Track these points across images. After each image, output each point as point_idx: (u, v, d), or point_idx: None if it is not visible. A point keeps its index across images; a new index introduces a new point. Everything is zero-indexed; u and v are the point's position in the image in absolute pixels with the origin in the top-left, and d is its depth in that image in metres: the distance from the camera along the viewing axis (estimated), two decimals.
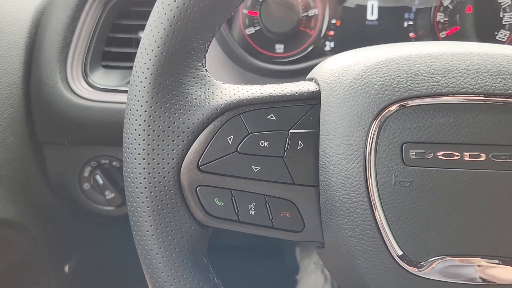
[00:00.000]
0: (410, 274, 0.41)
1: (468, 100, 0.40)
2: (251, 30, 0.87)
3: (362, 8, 0.88)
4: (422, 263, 0.41)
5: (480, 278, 0.41)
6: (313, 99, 0.44)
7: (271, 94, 0.44)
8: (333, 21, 0.88)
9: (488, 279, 0.40)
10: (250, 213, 0.43)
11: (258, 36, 0.87)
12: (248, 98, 0.43)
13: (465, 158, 0.40)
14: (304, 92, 0.44)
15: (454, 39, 0.85)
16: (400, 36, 0.88)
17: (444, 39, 0.85)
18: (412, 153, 0.40)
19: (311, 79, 0.47)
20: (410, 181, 0.40)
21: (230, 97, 0.43)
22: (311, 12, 0.86)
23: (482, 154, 0.40)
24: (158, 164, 0.41)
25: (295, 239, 0.45)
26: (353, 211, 0.41)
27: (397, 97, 0.40)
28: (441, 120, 0.40)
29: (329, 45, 0.89)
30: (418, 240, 0.40)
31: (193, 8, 0.39)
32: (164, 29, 0.39)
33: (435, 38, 0.86)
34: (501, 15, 0.83)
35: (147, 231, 0.41)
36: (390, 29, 0.89)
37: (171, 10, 0.39)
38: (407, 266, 0.41)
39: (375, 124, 0.40)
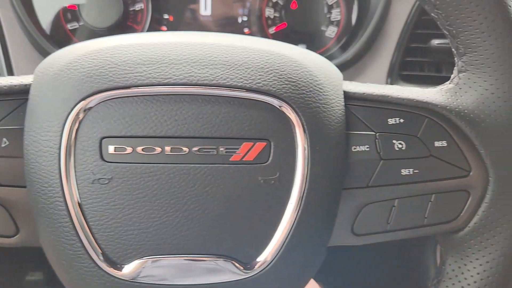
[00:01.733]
0: (111, 277, 0.38)
1: (171, 91, 0.38)
2: (75, 25, 0.82)
3: (195, 3, 0.86)
4: (124, 265, 0.38)
5: (185, 277, 0.39)
6: (25, 93, 0.41)
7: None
8: (166, 16, 0.86)
9: (191, 277, 0.39)
10: None
11: (82, 32, 0.82)
12: None
13: (167, 152, 0.38)
14: (15, 85, 0.41)
15: (283, 36, 0.85)
16: (236, 32, 0.87)
17: (274, 35, 0.85)
18: (111, 149, 0.38)
19: None
20: (109, 178, 0.38)
21: None
22: (137, 6, 0.83)
23: (184, 148, 0.38)
24: None
25: (9, 244, 0.41)
26: (52, 212, 0.38)
27: (97, 88, 0.38)
28: (142, 113, 0.38)
29: None
30: (120, 240, 0.38)
31: None
32: None
33: (265, 34, 0.85)
34: (325, 11, 0.84)
35: None
36: (225, 24, 0.87)
37: None
38: (108, 268, 0.38)
39: (72, 118, 0.37)
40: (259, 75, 0.39)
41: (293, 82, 0.40)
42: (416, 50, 0.81)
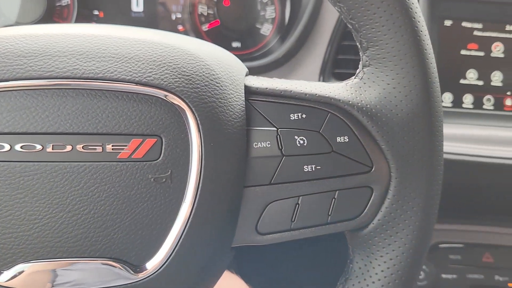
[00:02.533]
0: None
1: (53, 85, 0.36)
2: None
3: None
4: (3, 270, 0.36)
5: (70, 282, 0.36)
6: None
7: None
8: (96, 12, 0.83)
9: (78, 282, 0.37)
10: None
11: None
12: None
13: (48, 150, 0.36)
14: None
15: (217, 33, 0.84)
16: (170, 29, 0.85)
17: (207, 32, 0.83)
18: None
19: None
20: None
21: None
22: (64, 1, 0.80)
23: (67, 145, 0.36)
24: None
25: None
26: None
27: None
28: (21, 108, 0.35)
29: None
30: (4, 245, 0.35)
31: None
32: None
33: (198, 31, 0.83)
34: (259, 8, 0.83)
35: None
36: (158, 21, 0.85)
37: None
38: None
39: None
40: (150, 68, 0.37)
41: (187, 75, 0.38)
42: (349, 48, 0.81)
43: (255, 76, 0.45)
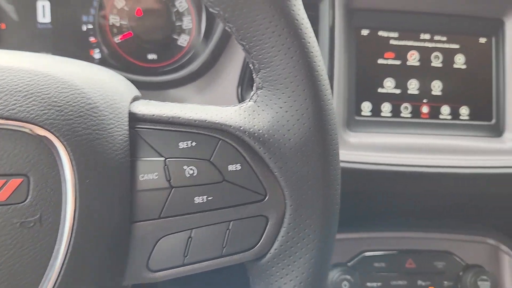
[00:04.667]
0: None
1: None
2: None
3: (31, 9, 0.78)
4: None
5: None
6: None
7: None
8: None
9: None
10: None
11: None
12: None
13: None
14: None
15: (131, 45, 0.80)
16: (81, 41, 0.80)
17: (120, 44, 0.79)
18: None
19: None
20: None
21: None
22: None
23: None
24: None
25: None
26: None
27: None
28: None
29: None
30: None
31: None
32: None
33: (110, 43, 0.79)
34: (174, 19, 0.80)
35: None
36: (68, 33, 0.80)
37: None
38: None
39: None
40: (15, 100, 0.34)
41: (59, 106, 0.35)
42: None
43: (146, 101, 0.42)
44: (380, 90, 0.83)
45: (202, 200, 0.39)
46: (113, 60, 0.80)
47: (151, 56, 0.81)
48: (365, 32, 0.83)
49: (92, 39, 0.80)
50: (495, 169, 0.80)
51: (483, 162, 0.81)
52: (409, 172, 0.78)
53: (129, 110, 0.39)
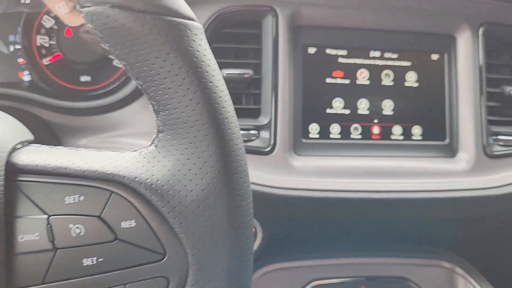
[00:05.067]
0: None
1: None
2: None
3: None
4: None
5: None
6: None
7: None
8: None
9: None
10: None
11: None
12: None
13: None
14: None
15: (62, 67, 0.74)
16: (8, 62, 0.74)
17: (49, 66, 0.74)
18: None
19: None
20: None
21: None
22: None
23: None
24: None
25: None
26: None
27: None
28: None
29: None
30: None
31: None
32: None
33: (38, 66, 0.73)
34: None
35: None
36: None
37: None
38: None
39: None
40: None
41: None
42: None
43: (35, 147, 0.37)
44: (328, 110, 0.79)
45: (92, 262, 0.34)
46: (43, 84, 0.74)
47: (84, 78, 0.76)
48: (312, 50, 0.79)
49: (20, 60, 0.74)
50: (449, 192, 0.77)
51: (436, 185, 0.78)
52: (360, 199, 0.74)
53: (8, 160, 0.34)
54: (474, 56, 0.82)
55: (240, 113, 0.76)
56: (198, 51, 0.35)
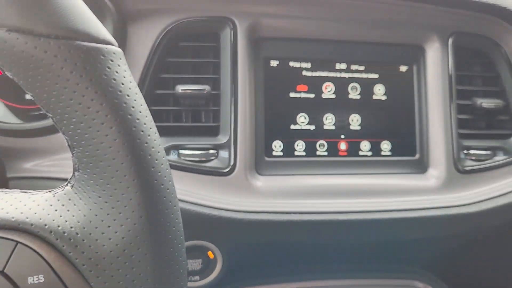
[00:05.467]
0: None
1: None
2: None
3: None
4: None
5: None
6: None
7: None
8: None
9: None
10: None
11: None
12: None
13: None
14: None
15: (2, 84, 0.69)
16: None
17: None
18: None
19: None
20: None
21: None
22: None
23: None
24: None
25: None
26: None
27: None
28: None
29: None
30: None
31: None
32: None
33: None
34: None
35: None
36: None
37: None
38: None
39: None
40: None
41: None
42: (164, 98, 0.71)
43: None
44: (292, 126, 0.75)
45: None
46: None
47: (30, 96, 0.70)
48: (274, 63, 0.75)
49: None
50: (419, 211, 0.73)
51: (406, 204, 0.74)
52: (327, 221, 0.70)
53: None
54: (444, 68, 0.79)
55: (199, 131, 0.72)
56: (114, 80, 0.30)
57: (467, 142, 0.80)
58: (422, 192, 0.76)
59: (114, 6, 0.64)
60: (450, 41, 0.80)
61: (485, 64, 0.84)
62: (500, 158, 0.81)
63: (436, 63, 0.79)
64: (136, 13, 0.67)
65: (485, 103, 0.80)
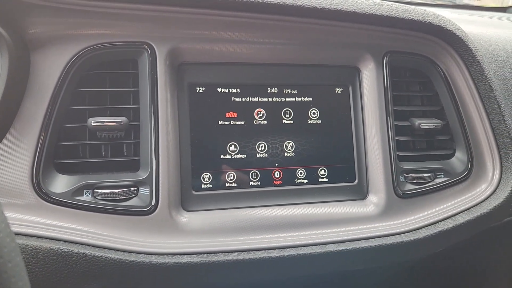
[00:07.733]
0: None
1: None
2: None
3: None
4: None
5: None
6: None
7: None
8: None
9: None
10: None
11: None
12: None
13: None
14: None
15: None
16: None
17: None
18: None
19: None
20: None
21: None
22: None
23: None
24: None
25: None
26: None
27: None
28: None
29: None
30: None
31: None
32: None
33: None
34: None
35: None
36: None
37: None
38: None
39: None
40: None
41: None
42: (76, 131, 0.65)
43: None
44: (223, 156, 0.70)
45: None
46: None
47: None
48: (200, 89, 0.70)
49: None
50: (358, 242, 0.69)
51: (344, 234, 0.70)
52: (260, 259, 0.65)
53: None
54: (380, 88, 0.76)
55: (119, 167, 0.65)
56: None
57: (406, 165, 0.77)
58: (361, 220, 0.72)
59: (9, 33, 0.57)
60: (385, 60, 0.77)
61: (423, 83, 0.82)
62: (441, 180, 0.78)
63: (371, 83, 0.76)
64: (39, 40, 0.61)
65: (424, 123, 0.78)
